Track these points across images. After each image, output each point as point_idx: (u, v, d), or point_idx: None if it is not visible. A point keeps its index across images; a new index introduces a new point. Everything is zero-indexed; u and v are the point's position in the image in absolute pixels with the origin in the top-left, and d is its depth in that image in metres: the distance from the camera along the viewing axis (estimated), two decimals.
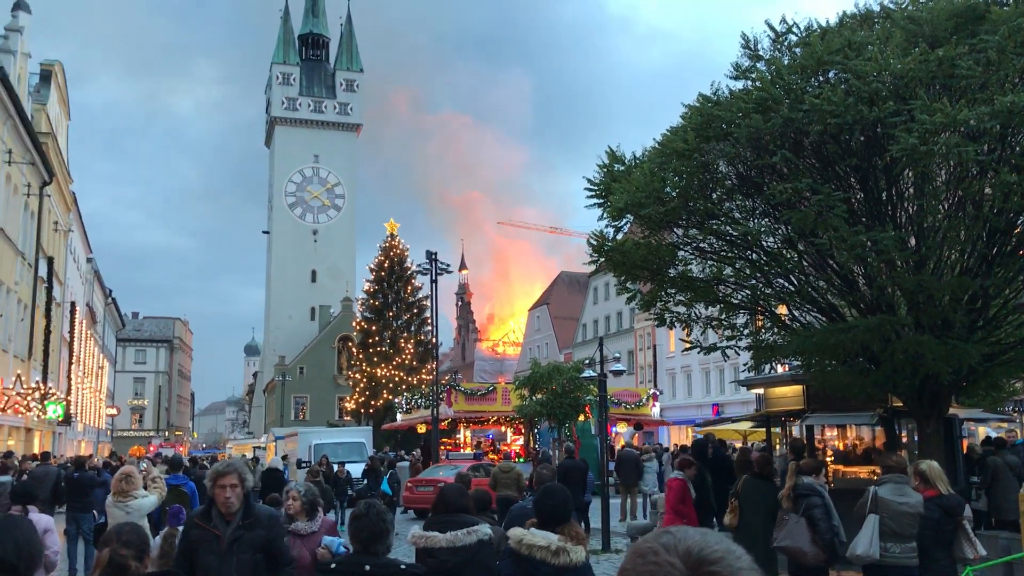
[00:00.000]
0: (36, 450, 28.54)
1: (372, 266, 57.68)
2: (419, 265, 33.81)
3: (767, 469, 9.19)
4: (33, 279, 32.41)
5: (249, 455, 39.90)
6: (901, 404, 12.00)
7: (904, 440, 13.24)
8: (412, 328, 56.85)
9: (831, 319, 11.50)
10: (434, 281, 31.20)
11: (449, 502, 5.08)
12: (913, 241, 10.40)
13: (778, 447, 17.06)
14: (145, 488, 8.84)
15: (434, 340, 35.51)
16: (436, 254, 30.69)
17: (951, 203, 10.41)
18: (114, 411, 70.47)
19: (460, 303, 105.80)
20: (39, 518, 7.04)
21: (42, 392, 30.34)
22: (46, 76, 35.27)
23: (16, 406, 27.04)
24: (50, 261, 35.05)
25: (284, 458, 31.33)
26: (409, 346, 55.39)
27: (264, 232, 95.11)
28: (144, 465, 18.15)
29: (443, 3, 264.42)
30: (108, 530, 3.80)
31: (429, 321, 49.15)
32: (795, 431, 15.11)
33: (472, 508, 5.48)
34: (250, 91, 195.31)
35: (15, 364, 29.57)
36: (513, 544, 4.45)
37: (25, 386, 28.72)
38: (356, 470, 25.00)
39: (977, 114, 8.94)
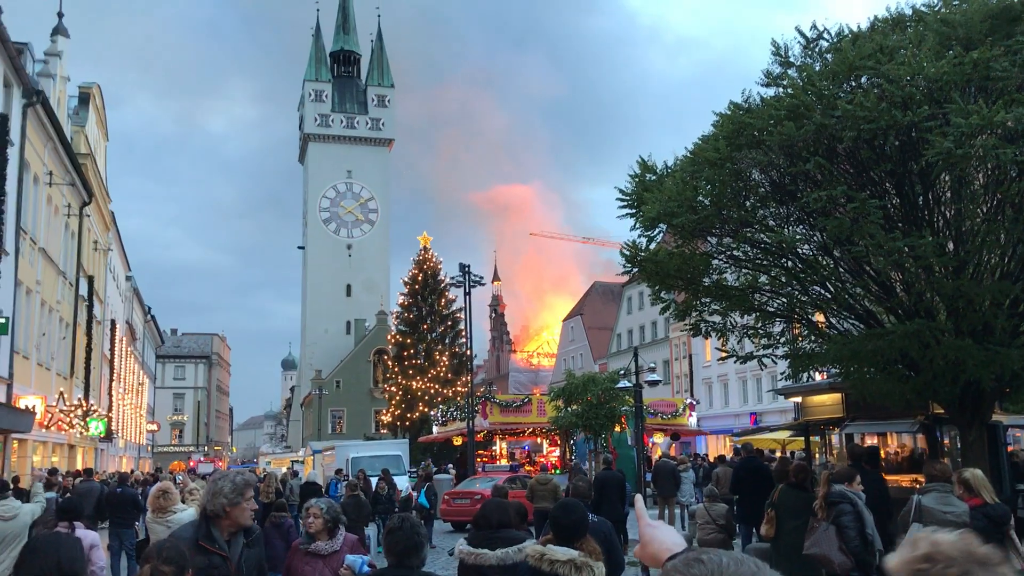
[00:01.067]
0: (79, 466, 29.01)
1: (406, 279, 58.03)
2: (452, 277, 33.95)
3: (803, 478, 9.09)
4: (74, 298, 32.97)
5: (287, 469, 39.95)
6: (942, 411, 11.80)
7: (947, 447, 13.01)
8: (447, 340, 57.05)
9: (869, 326, 11.34)
10: (468, 293, 31.28)
11: (491, 518, 5.10)
12: (951, 246, 10.23)
13: (817, 456, 16.85)
14: (183, 501, 8.94)
15: (469, 352, 35.57)
16: (469, 266, 30.80)
17: (990, 206, 10.23)
18: (154, 427, 71.37)
19: (493, 314, 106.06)
20: (85, 534, 7.13)
21: (84, 409, 30.83)
22: (84, 98, 35.95)
23: (59, 423, 27.48)
24: (90, 280, 35.65)
25: (338, 472, 30.58)
26: (444, 358, 55.56)
27: (299, 247, 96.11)
28: (180, 478, 18.32)
29: (467, 14, 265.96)
30: (149, 547, 3.85)
31: (463, 333, 49.32)
32: (835, 439, 14.93)
33: (515, 522, 5.48)
34: (283, 109, 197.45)
35: (57, 382, 30.07)
36: (533, 561, 4.37)
37: (68, 403, 29.17)
38: (399, 483, 25.01)
39: (1015, 115, 8.78)
